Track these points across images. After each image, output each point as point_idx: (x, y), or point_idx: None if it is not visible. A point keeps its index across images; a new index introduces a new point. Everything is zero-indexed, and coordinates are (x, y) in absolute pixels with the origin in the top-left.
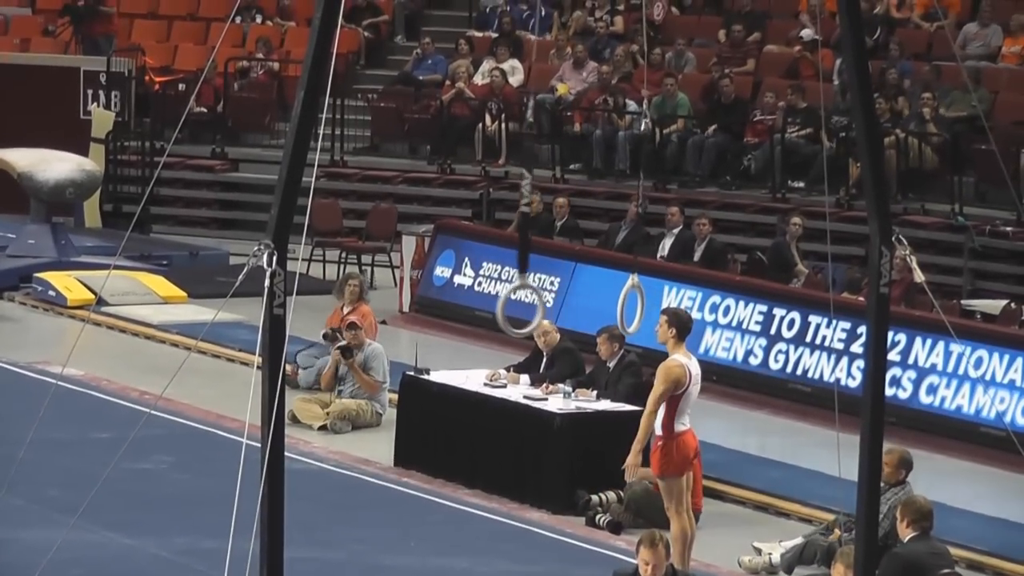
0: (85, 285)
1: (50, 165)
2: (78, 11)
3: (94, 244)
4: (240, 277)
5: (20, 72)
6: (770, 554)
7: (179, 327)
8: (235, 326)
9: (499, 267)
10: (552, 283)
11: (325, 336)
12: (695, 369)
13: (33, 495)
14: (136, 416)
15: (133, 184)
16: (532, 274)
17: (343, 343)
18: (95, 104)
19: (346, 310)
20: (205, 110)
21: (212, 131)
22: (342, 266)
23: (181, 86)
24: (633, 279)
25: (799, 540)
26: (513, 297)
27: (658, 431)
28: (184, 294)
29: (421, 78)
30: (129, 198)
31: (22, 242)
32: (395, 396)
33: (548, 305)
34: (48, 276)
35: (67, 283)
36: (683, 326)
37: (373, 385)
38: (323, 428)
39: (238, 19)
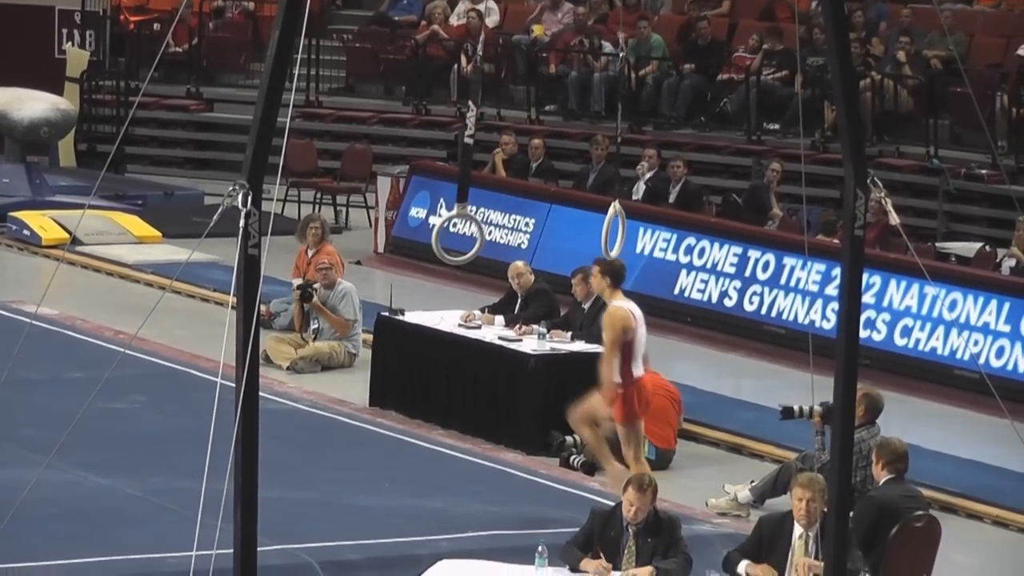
0: (60, 224)
1: (24, 104)
2: None
3: (68, 183)
4: (215, 217)
5: None
6: (736, 491)
7: (153, 267)
8: (210, 266)
9: (474, 208)
10: (527, 224)
11: (299, 288)
12: (637, 311)
13: (7, 434)
14: (110, 355)
15: (108, 124)
16: (495, 211)
17: (300, 282)
18: (69, 43)
19: (310, 252)
20: (180, 50)
21: (187, 71)
22: (317, 207)
23: (156, 26)
24: (615, 206)
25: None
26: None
27: (616, 379)
28: (159, 234)
29: (397, 19)
30: (104, 138)
31: None
32: (370, 337)
33: (522, 246)
34: (22, 215)
35: (42, 222)
36: (616, 274)
37: (342, 324)
38: (291, 368)
39: None
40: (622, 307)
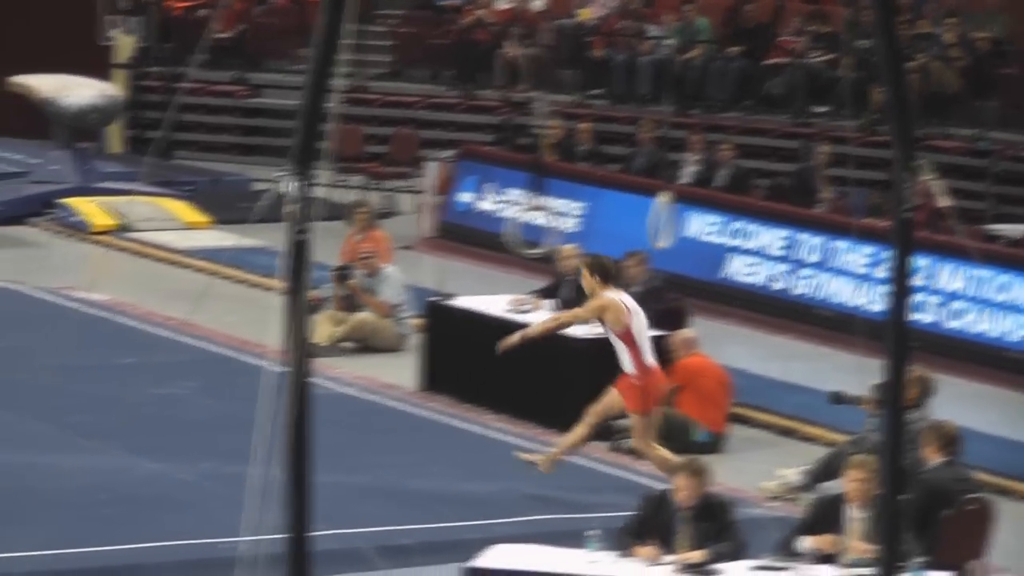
0: (108, 210)
1: (73, 91)
2: None
3: (117, 170)
4: (263, 203)
5: None
6: (788, 475)
7: (202, 252)
8: (258, 251)
9: (521, 192)
10: (575, 209)
11: (336, 270)
12: (630, 302)
13: (58, 420)
14: (159, 341)
15: (155, 110)
16: (553, 198)
17: (339, 266)
18: (117, 29)
19: (358, 237)
20: (227, 36)
21: (234, 56)
22: (365, 192)
23: (203, 11)
24: (664, 198)
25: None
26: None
27: (632, 371)
28: (207, 220)
29: (443, 3)
30: (151, 124)
31: (45, 168)
32: (419, 322)
33: (570, 230)
34: (71, 202)
35: (90, 209)
36: (604, 271)
37: (381, 307)
38: (329, 344)
39: None
40: (610, 297)
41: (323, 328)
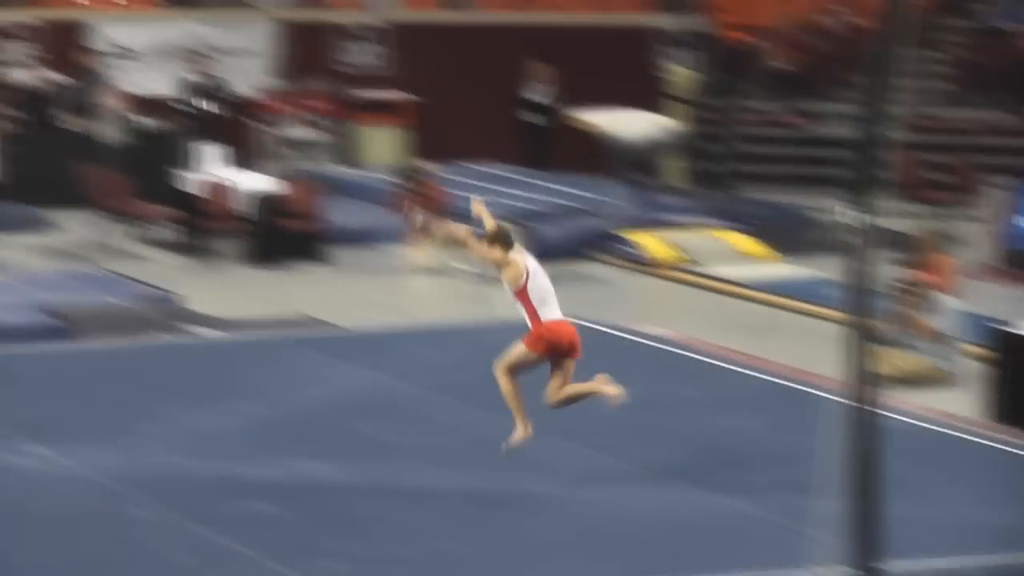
0: (669, 244)
1: (631, 125)
2: None
3: (676, 203)
4: (823, 233)
5: (597, 33)
6: None
7: (764, 284)
8: (821, 282)
9: None
10: None
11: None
12: (532, 264)
13: (624, 453)
14: (724, 374)
15: (714, 142)
16: None
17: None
18: (673, 62)
19: (920, 266)
20: (784, 65)
21: (792, 86)
22: (925, 220)
23: (760, 42)
24: None
25: None
26: None
27: (530, 324)
28: (769, 251)
29: (1004, 27)
30: (711, 156)
31: (605, 202)
32: (983, 352)
33: None
34: (632, 235)
35: (651, 242)
36: (505, 239)
37: (929, 330)
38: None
39: None
40: (518, 259)
41: (888, 359)
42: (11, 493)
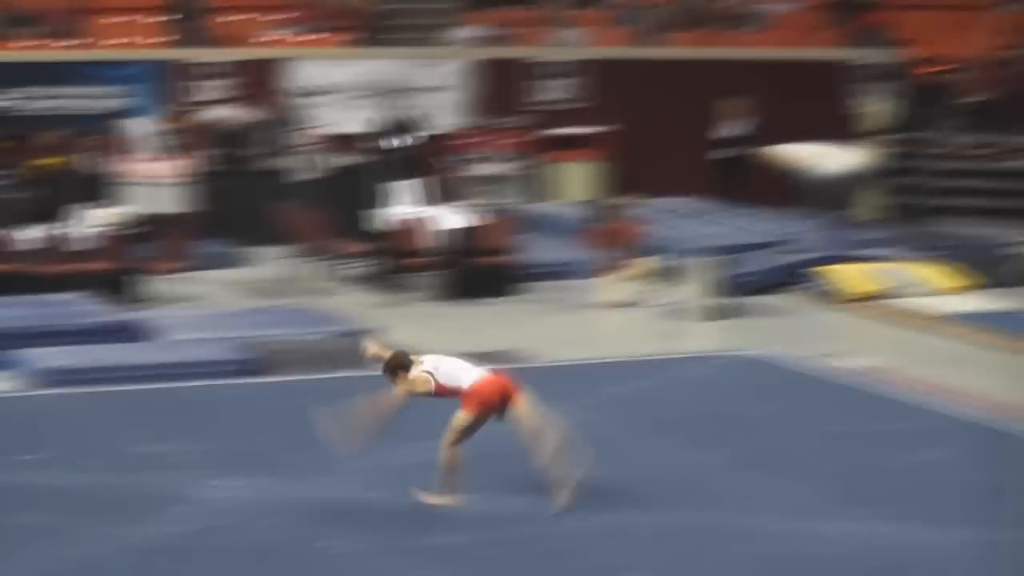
0: (864, 277)
1: (825, 159)
2: (847, 4)
3: (870, 237)
4: (1015, 266)
5: (790, 67)
6: None
7: (959, 317)
8: (1017, 315)
9: None
10: None
11: None
12: (430, 363)
13: (816, 486)
14: (915, 407)
15: (909, 176)
16: None
17: None
18: (867, 96)
19: None
20: (978, 99)
21: (986, 119)
22: None
23: (954, 75)
24: None
25: None
26: None
27: (459, 397)
28: (965, 284)
29: None
30: (905, 189)
31: (798, 236)
32: None
33: None
34: (825, 269)
35: (845, 276)
36: (400, 365)
37: None
38: None
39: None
40: (417, 374)
41: None
42: (203, 524)
